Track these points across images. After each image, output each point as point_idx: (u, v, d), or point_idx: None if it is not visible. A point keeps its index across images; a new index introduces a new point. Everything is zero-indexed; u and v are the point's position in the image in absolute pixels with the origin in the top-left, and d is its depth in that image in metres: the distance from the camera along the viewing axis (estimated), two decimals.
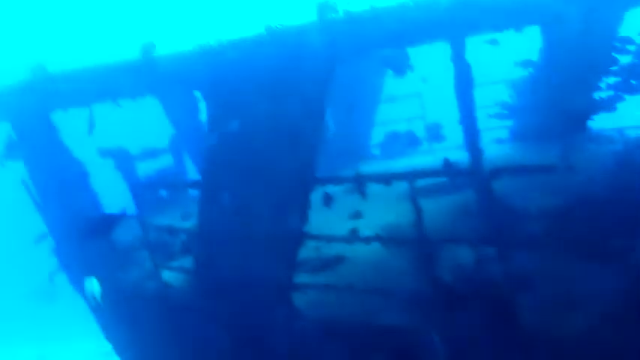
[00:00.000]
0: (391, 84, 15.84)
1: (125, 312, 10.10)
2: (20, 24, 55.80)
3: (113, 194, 13.92)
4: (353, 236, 7.62)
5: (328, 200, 7.68)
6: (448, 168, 7.12)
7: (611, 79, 11.27)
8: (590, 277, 6.01)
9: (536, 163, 5.32)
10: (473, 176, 7.95)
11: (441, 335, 5.70)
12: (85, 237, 9.34)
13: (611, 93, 11.17)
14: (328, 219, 9.94)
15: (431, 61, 14.90)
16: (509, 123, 14.86)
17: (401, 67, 8.45)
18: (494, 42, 7.74)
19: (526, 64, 13.50)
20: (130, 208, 9.60)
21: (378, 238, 6.75)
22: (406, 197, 10.44)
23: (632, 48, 10.67)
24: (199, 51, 7.91)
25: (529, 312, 5.45)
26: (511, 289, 5.50)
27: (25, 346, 30.94)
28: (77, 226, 10.55)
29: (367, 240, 6.68)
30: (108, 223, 9.37)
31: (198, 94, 12.49)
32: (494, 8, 6.51)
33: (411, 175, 5.95)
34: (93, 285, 9.36)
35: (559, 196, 8.49)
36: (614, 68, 10.99)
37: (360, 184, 6.59)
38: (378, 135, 17.77)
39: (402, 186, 6.32)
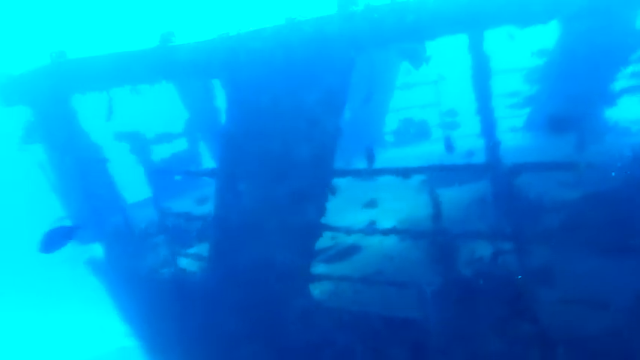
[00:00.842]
0: (407, 70, 15.81)
1: (141, 297, 10.22)
2: (43, 13, 56.10)
3: (129, 179, 14.02)
4: (370, 228, 7.67)
5: (332, 189, 7.76)
6: (449, 148, 7.18)
7: (630, 69, 11.27)
8: (612, 272, 6.02)
9: (556, 160, 5.29)
10: (491, 170, 7.98)
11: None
12: (42, 249, 9.56)
13: (634, 83, 11.20)
14: (342, 207, 9.98)
15: (447, 49, 14.83)
16: (525, 112, 14.82)
17: (418, 60, 8.42)
18: (511, 36, 7.71)
19: (542, 53, 13.46)
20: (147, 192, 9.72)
21: (395, 230, 6.78)
22: (420, 185, 10.51)
23: None
24: (220, 41, 7.93)
25: (549, 308, 5.46)
26: (530, 284, 5.51)
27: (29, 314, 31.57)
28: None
29: (385, 232, 6.71)
30: (63, 235, 9.62)
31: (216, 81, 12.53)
32: (514, 2, 6.47)
33: (429, 170, 5.97)
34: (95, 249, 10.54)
35: (575, 188, 8.48)
36: (636, 56, 11.00)
37: (369, 155, 6.63)
38: (392, 122, 17.75)
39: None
